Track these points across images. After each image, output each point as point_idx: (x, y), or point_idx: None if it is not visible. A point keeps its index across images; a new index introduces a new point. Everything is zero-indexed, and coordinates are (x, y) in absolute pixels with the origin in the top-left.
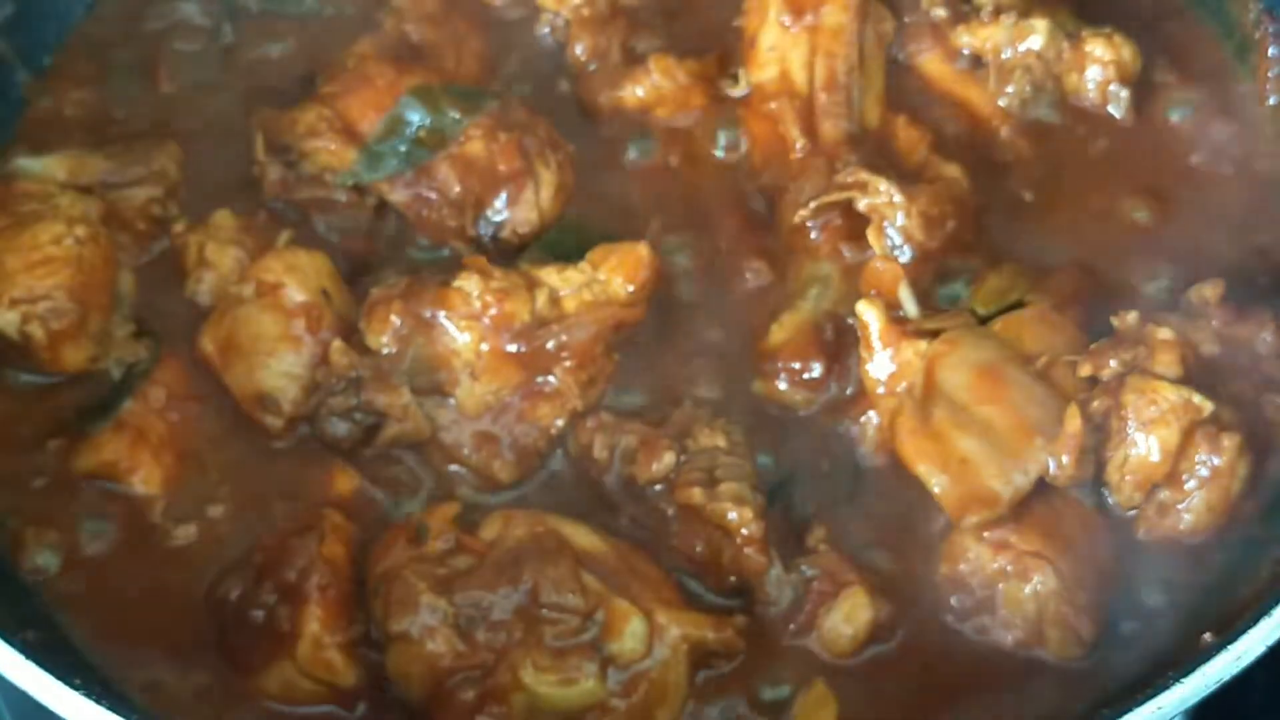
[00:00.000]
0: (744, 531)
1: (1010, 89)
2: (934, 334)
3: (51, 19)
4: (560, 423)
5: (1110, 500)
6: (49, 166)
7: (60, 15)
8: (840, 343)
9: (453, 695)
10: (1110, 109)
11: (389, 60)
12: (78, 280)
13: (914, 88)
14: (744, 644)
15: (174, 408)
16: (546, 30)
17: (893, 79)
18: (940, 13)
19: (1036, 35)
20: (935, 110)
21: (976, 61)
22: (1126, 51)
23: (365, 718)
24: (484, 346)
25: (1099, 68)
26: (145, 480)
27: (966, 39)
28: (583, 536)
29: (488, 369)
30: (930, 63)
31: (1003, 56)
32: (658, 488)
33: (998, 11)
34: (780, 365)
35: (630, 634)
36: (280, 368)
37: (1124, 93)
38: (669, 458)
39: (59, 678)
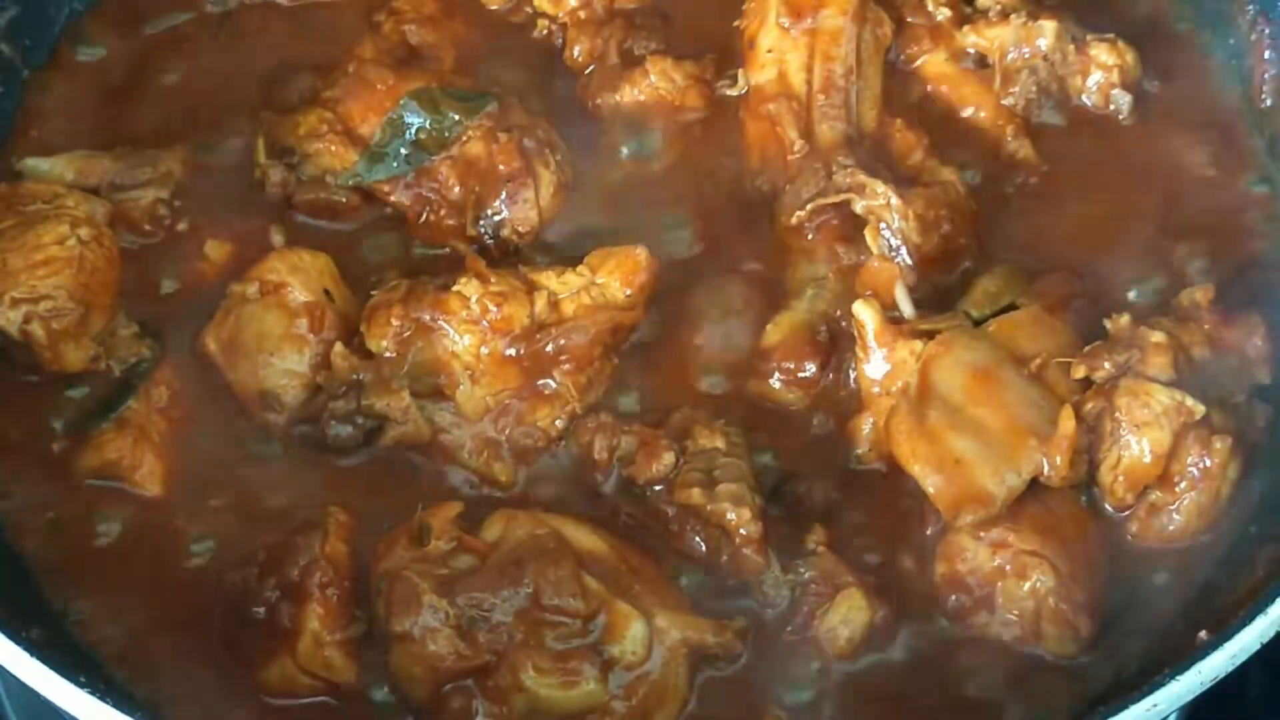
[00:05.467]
0: (742, 532)
1: (1015, 89)
2: (929, 335)
3: (54, 21)
4: (560, 424)
5: (1103, 501)
6: (56, 167)
7: (62, 17)
8: (836, 343)
9: (454, 696)
10: (1112, 112)
11: (388, 64)
12: (79, 281)
13: (911, 91)
14: (743, 646)
15: (176, 406)
16: (544, 33)
17: (890, 82)
18: (945, 13)
19: (1044, 37)
20: (932, 113)
21: (981, 62)
22: (1130, 57)
23: (363, 714)
24: (483, 350)
25: (1102, 72)
26: (148, 478)
27: (973, 39)
28: (584, 537)
29: (487, 372)
30: (931, 64)
31: (1008, 58)
32: (657, 488)
33: (1006, 13)
34: (775, 365)
35: (631, 637)
36: (283, 366)
37: (1126, 97)
38: (668, 458)
39: (64, 674)
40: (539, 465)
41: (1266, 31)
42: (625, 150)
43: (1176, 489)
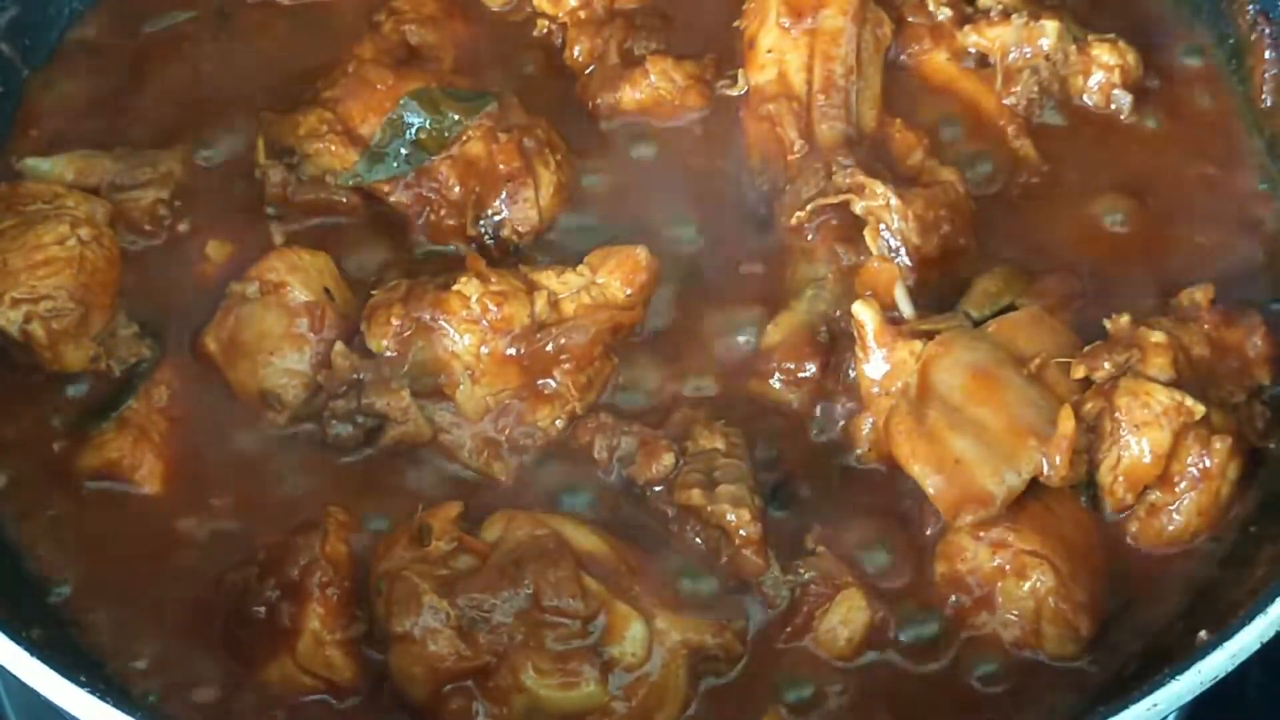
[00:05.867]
0: (742, 533)
1: (1017, 89)
2: (929, 335)
3: (54, 21)
4: (560, 424)
5: (1102, 501)
6: (57, 167)
7: (62, 17)
8: (836, 343)
9: (453, 697)
10: (1113, 112)
11: (388, 64)
12: (79, 281)
13: (912, 91)
14: (744, 647)
15: (177, 406)
16: (544, 33)
17: (890, 82)
18: (946, 13)
19: (1046, 37)
20: (933, 113)
21: (982, 61)
22: (1131, 57)
23: (362, 713)
24: (484, 349)
25: (1104, 72)
26: (148, 478)
27: (974, 39)
28: (584, 538)
29: (487, 372)
30: (932, 63)
31: (1010, 57)
32: (657, 489)
33: (1007, 12)
34: (775, 365)
35: (631, 638)
36: (283, 365)
37: (1127, 97)
38: (668, 459)
39: (64, 675)
40: (539, 465)
41: (1266, 31)
42: (625, 150)
43: (1176, 489)
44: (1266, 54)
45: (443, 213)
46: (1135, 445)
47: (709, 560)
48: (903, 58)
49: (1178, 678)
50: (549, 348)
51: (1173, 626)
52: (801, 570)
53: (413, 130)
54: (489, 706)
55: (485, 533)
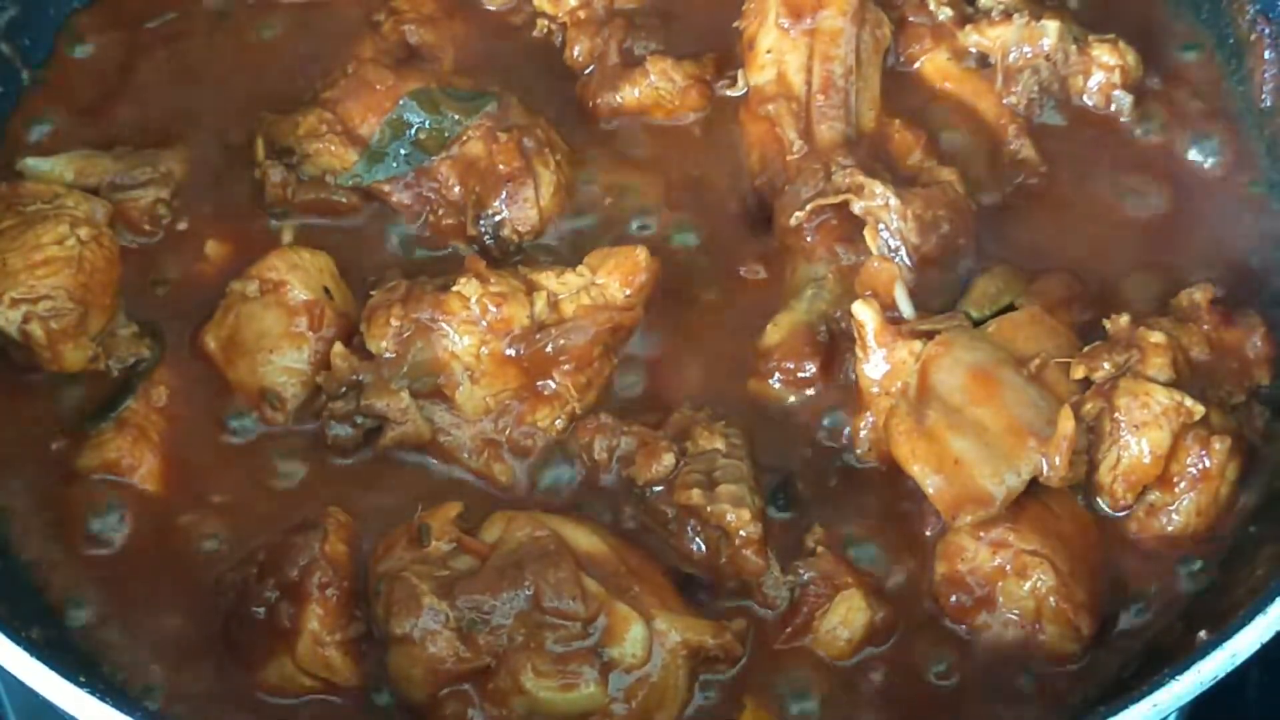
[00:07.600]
0: (742, 533)
1: (1017, 89)
2: (928, 335)
3: (54, 21)
4: (559, 424)
5: (1102, 501)
6: (57, 167)
7: (62, 17)
8: (835, 343)
9: (449, 701)
10: (1113, 113)
11: (388, 65)
12: (79, 281)
13: (911, 91)
14: (743, 648)
15: (176, 405)
16: (544, 33)
17: (890, 82)
18: (947, 13)
19: (1047, 37)
20: (932, 113)
21: (983, 61)
22: (1131, 57)
23: (361, 714)
24: (483, 350)
25: (1104, 72)
26: (148, 478)
27: (975, 39)
28: (583, 538)
29: (487, 372)
30: (932, 63)
31: (1010, 57)
32: (657, 489)
33: (1008, 12)
34: (775, 365)
35: (631, 639)
36: (283, 364)
37: (1127, 97)
38: (668, 459)
39: (64, 675)
40: (539, 466)
41: (1266, 31)
42: (625, 150)
43: (1176, 489)
44: (1266, 54)
45: (442, 213)
46: (1135, 445)
47: (709, 561)
48: (903, 58)
49: (1178, 678)
50: (548, 348)
51: (1173, 626)
52: (801, 570)
53: (413, 130)
54: (489, 708)
55: (485, 533)
